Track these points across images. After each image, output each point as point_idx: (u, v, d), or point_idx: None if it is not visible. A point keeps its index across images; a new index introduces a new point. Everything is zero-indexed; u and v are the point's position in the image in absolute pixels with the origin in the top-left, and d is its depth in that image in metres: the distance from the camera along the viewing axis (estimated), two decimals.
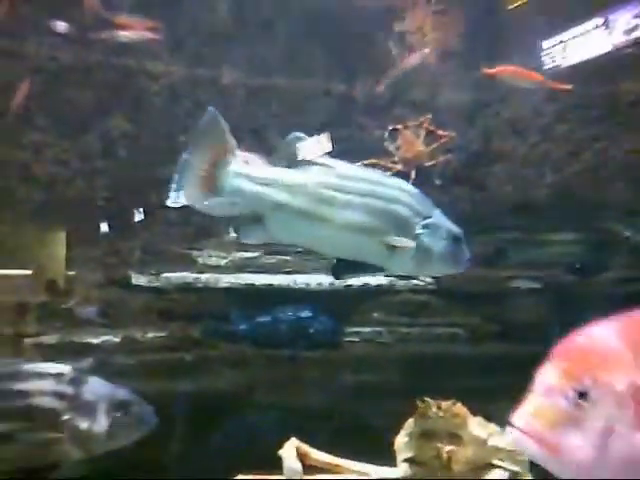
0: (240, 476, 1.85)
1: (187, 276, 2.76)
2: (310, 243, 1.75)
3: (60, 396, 1.68)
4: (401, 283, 2.68)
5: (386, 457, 1.88)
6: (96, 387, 1.74)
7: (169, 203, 1.64)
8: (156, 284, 2.74)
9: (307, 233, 1.67)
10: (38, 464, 1.65)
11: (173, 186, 1.65)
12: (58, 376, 1.71)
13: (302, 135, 1.71)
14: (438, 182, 2.77)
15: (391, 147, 2.86)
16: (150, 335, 2.67)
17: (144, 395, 2.59)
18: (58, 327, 2.62)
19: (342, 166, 1.75)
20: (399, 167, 2.83)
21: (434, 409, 1.69)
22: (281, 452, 1.84)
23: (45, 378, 1.71)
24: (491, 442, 1.68)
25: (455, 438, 1.70)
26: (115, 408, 1.72)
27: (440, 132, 2.74)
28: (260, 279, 2.73)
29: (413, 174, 2.81)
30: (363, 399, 2.56)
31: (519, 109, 2.85)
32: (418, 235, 1.64)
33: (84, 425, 1.67)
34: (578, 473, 0.99)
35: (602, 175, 2.72)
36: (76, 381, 1.72)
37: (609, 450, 0.97)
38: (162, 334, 2.67)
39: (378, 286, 2.70)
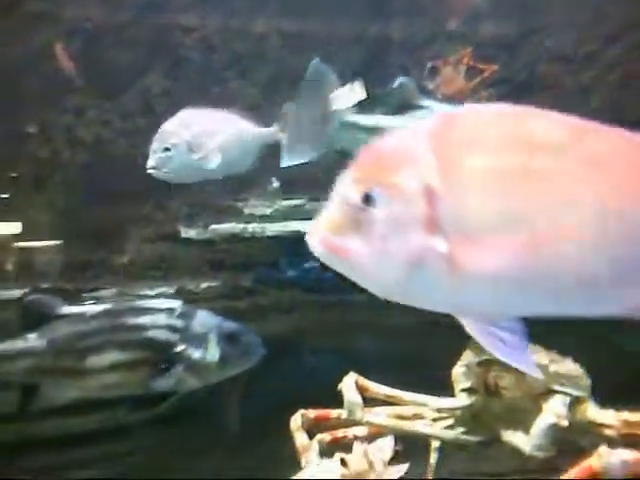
0: (302, 411, 1.91)
1: (234, 227, 2.80)
2: None
3: (172, 329, 1.77)
4: None
5: (444, 393, 1.92)
6: (205, 320, 1.82)
7: (284, 164, 1.69)
8: (205, 236, 2.79)
9: None
10: (157, 391, 1.74)
11: (285, 147, 1.69)
12: (169, 311, 1.79)
13: (408, 79, 1.72)
14: None
15: (431, 85, 2.81)
16: (203, 285, 2.74)
17: None
18: (114, 282, 2.71)
19: (448, 109, 1.78)
20: None
21: None
22: (340, 386, 1.89)
23: (157, 313, 1.79)
24: (552, 368, 1.69)
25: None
26: (224, 339, 1.79)
27: (481, 66, 2.68)
28: (306, 226, 2.74)
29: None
30: (414, 338, 2.59)
31: (563, 36, 2.76)
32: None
33: (196, 355, 1.75)
34: (363, 274, 0.95)
35: None
36: (186, 315, 1.80)
37: (395, 252, 0.92)
38: (214, 284, 2.74)
39: None
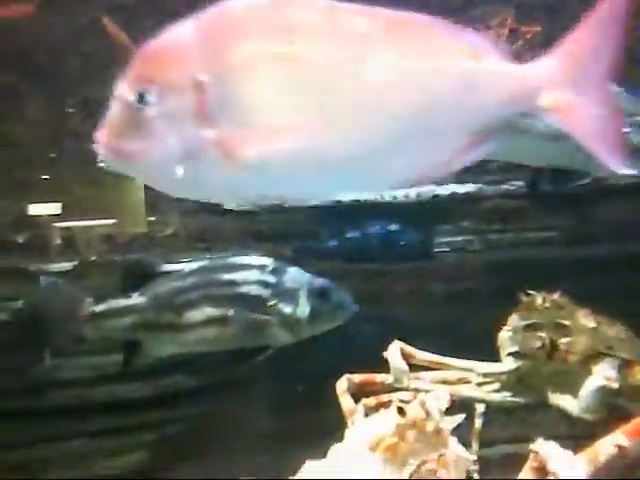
0: (347, 375, 1.93)
1: None
2: (512, 156, 1.86)
3: (264, 284, 1.83)
4: (491, 189, 2.63)
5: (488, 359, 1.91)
6: (296, 276, 1.89)
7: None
8: (246, 207, 2.82)
9: (514, 146, 1.78)
10: (251, 345, 1.81)
11: None
12: (261, 267, 1.86)
13: None
14: None
15: None
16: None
17: None
18: (159, 254, 2.76)
19: None
20: None
21: (539, 300, 1.69)
22: (386, 354, 1.91)
23: (250, 269, 1.86)
24: (601, 330, 1.67)
25: (562, 328, 1.70)
26: (315, 295, 1.84)
27: (524, 28, 2.61)
28: (347, 196, 2.75)
29: None
30: (459, 307, 2.58)
31: None
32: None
33: (288, 310, 1.81)
34: (146, 173, 0.98)
35: None
36: (277, 271, 1.86)
37: (170, 147, 0.94)
38: (258, 254, 2.76)
39: (466, 193, 2.67)
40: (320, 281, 1.91)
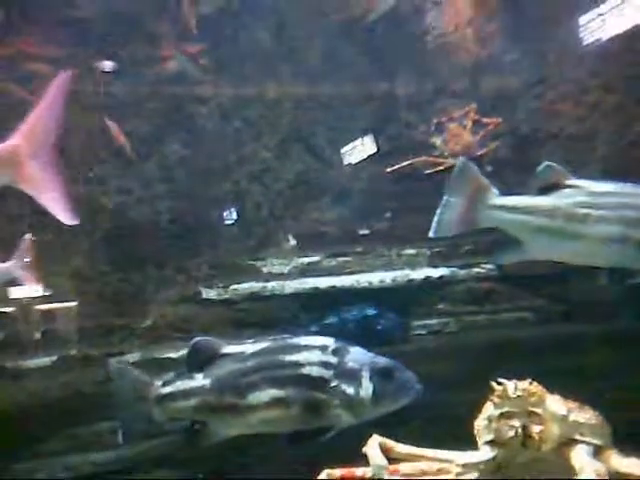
0: (327, 470, 1.92)
1: (254, 286, 2.86)
2: (567, 257, 1.97)
3: (326, 365, 1.80)
4: (463, 272, 2.71)
5: (467, 444, 1.92)
6: (358, 356, 1.84)
7: (432, 235, 1.95)
8: (225, 296, 2.86)
9: (565, 249, 1.88)
10: (313, 427, 1.77)
11: (435, 221, 1.98)
12: (323, 348, 1.82)
13: (553, 165, 1.95)
14: (489, 169, 2.79)
15: (438, 141, 2.91)
16: None
17: None
18: (139, 345, 2.77)
19: (591, 185, 1.95)
20: (450, 161, 2.86)
21: (511, 390, 1.72)
22: (365, 449, 1.90)
23: (312, 350, 1.84)
24: (572, 417, 1.69)
25: (534, 416, 1.72)
26: (378, 374, 1.80)
27: (486, 120, 2.76)
28: (323, 282, 2.81)
29: None
30: (437, 390, 2.59)
31: (563, 88, 2.85)
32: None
33: (350, 391, 1.77)
34: None
35: None
36: (339, 351, 1.83)
37: None
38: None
39: (441, 277, 2.74)
40: (383, 361, 1.86)
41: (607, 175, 2.79)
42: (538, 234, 1.92)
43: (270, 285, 2.86)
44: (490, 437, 1.82)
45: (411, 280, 2.71)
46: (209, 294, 2.88)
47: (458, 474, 1.85)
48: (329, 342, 1.87)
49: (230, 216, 3.07)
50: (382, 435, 1.88)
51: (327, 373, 1.80)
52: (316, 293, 2.79)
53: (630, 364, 2.25)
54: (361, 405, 1.80)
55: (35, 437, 2.52)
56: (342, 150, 3.11)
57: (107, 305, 2.95)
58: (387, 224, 2.93)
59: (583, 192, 1.93)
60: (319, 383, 1.80)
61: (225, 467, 2.58)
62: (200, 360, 1.93)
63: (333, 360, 1.82)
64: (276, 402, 1.83)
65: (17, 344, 2.76)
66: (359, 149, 3.08)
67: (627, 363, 2.29)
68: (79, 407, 2.59)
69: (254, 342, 1.93)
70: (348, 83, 3.17)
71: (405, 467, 1.90)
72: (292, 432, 1.83)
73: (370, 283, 2.73)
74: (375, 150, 3.05)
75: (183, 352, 2.74)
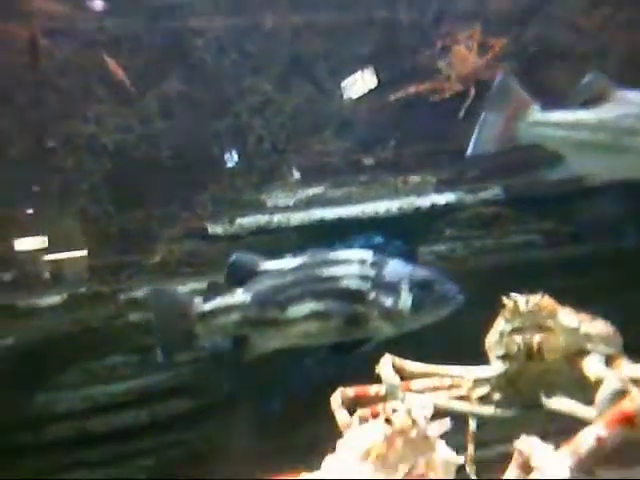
0: (341, 389, 1.95)
1: (259, 219, 2.85)
2: (612, 173, 1.93)
3: (364, 278, 1.82)
4: (469, 198, 2.69)
5: (479, 362, 1.94)
6: (397, 268, 1.85)
7: (469, 153, 1.93)
8: (231, 231, 2.85)
9: (610, 163, 1.85)
10: (353, 338, 1.81)
11: (473, 139, 1.95)
12: (361, 261, 1.84)
13: (598, 74, 1.88)
14: None
15: (444, 66, 2.84)
16: None
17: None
18: (149, 280, 2.78)
19: (638, 96, 1.90)
20: (456, 86, 2.80)
21: (522, 304, 1.73)
22: (378, 369, 1.93)
23: (350, 263, 1.85)
24: (583, 329, 1.71)
25: (546, 329, 1.73)
26: (417, 286, 1.81)
27: (492, 41, 2.69)
28: (329, 213, 2.80)
29: (472, 91, 2.78)
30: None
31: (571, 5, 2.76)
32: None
33: (389, 303, 1.79)
34: None
35: None
36: (378, 264, 1.84)
37: None
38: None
39: (447, 203, 2.72)
40: (423, 272, 1.88)
41: None
42: (581, 149, 1.88)
43: (275, 218, 2.85)
44: (501, 352, 1.85)
45: (417, 208, 2.69)
46: (215, 229, 2.87)
47: (470, 389, 1.89)
48: (367, 255, 1.87)
49: (232, 151, 3.03)
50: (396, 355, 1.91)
51: (365, 286, 1.82)
52: (322, 224, 2.78)
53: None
54: (400, 316, 1.81)
55: (50, 371, 2.56)
56: (342, 84, 3.04)
57: (114, 244, 2.95)
58: (392, 152, 2.89)
59: (630, 104, 1.87)
60: (357, 296, 1.82)
61: (238, 395, 2.63)
62: (239, 276, 1.96)
63: (371, 273, 1.83)
64: (315, 315, 1.84)
65: (27, 284, 2.78)
66: (359, 83, 3.01)
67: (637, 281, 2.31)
68: (91, 342, 2.63)
69: (292, 257, 1.95)
70: (348, 10, 3.07)
71: (417, 384, 1.93)
72: (333, 344, 1.82)
73: (376, 212, 2.71)
74: (376, 84, 2.98)
75: (191, 286, 2.78)
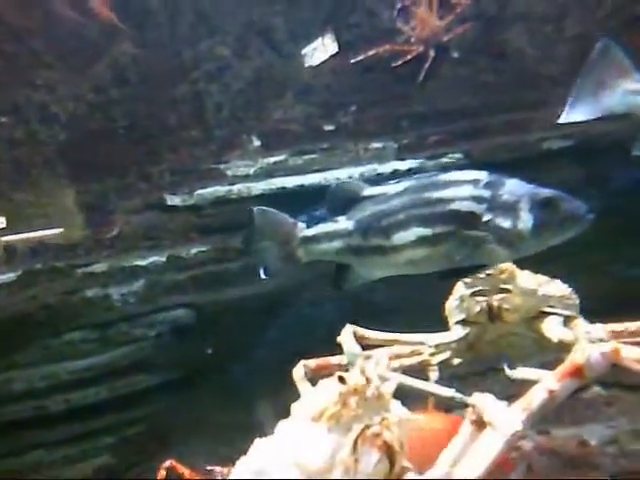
0: (303, 361, 1.94)
1: (219, 190, 2.79)
2: None
3: (478, 199, 1.69)
4: (431, 164, 2.66)
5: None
6: (515, 187, 1.70)
7: (563, 120, 1.82)
8: (190, 202, 2.78)
9: None
10: (467, 264, 1.67)
11: (568, 104, 1.85)
12: (475, 182, 1.71)
13: None
14: (456, 55, 2.70)
15: (404, 27, 2.78)
16: (194, 251, 2.74)
17: (197, 306, 2.72)
18: (106, 255, 2.71)
19: None
20: (417, 49, 2.75)
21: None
22: (339, 339, 1.92)
23: (462, 184, 1.73)
24: (541, 291, 1.72)
25: (505, 292, 1.74)
26: (538, 206, 1.66)
27: (454, 0, 2.64)
28: (291, 181, 2.75)
29: (432, 53, 2.74)
30: (403, 283, 2.61)
31: None
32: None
33: (506, 224, 1.65)
34: None
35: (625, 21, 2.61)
36: (493, 184, 1.70)
37: None
38: (205, 248, 2.74)
39: (409, 169, 2.69)
40: (546, 191, 1.70)
41: (574, 57, 2.73)
42: None
43: (236, 188, 2.79)
44: (462, 316, 1.85)
45: (379, 174, 2.66)
46: (173, 200, 2.80)
47: (431, 354, 1.89)
48: (482, 176, 1.72)
49: (190, 119, 2.94)
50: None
51: (479, 208, 1.68)
52: (284, 193, 2.73)
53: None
54: (519, 238, 1.66)
55: (7, 350, 2.49)
56: (303, 52, 2.96)
57: (69, 218, 2.86)
58: (353, 118, 2.83)
59: None
60: (469, 219, 1.69)
61: (203, 368, 2.61)
62: (341, 203, 1.87)
63: (486, 194, 1.69)
64: (423, 241, 1.72)
65: None
66: (320, 50, 2.94)
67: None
68: (48, 319, 2.56)
69: (398, 182, 1.85)
70: None
71: (379, 352, 1.93)
72: (446, 270, 1.72)
73: (338, 179, 2.67)
74: (336, 50, 2.91)
75: (151, 259, 2.72)
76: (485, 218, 1.65)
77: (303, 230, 1.87)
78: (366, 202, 1.83)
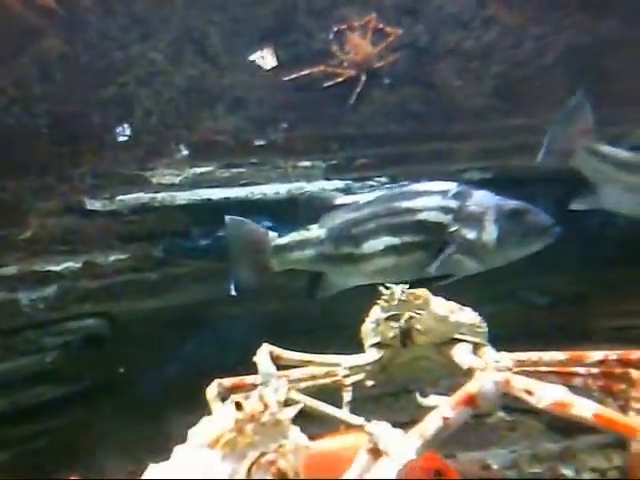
0: (217, 380, 1.91)
1: (142, 197, 2.73)
2: None
3: (445, 210, 1.70)
4: (357, 185, 2.70)
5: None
6: (483, 199, 1.73)
7: (539, 160, 1.85)
8: (111, 207, 2.71)
9: None
10: (432, 275, 1.69)
11: (543, 149, 1.87)
12: (443, 192, 1.73)
13: None
14: (387, 82, 2.77)
15: (338, 51, 2.83)
16: (112, 258, 2.66)
17: (111, 316, 2.64)
18: (18, 258, 2.59)
19: None
20: (349, 72, 2.81)
21: (398, 293, 1.76)
22: (255, 358, 1.91)
23: (430, 195, 1.74)
24: (452, 318, 1.77)
25: (418, 318, 1.78)
26: (504, 218, 1.68)
27: (388, 29, 2.71)
28: (216, 193, 2.72)
29: (363, 77, 2.79)
30: (328, 300, 2.63)
31: (462, 1, 2.84)
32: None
33: (472, 235, 1.67)
34: None
35: (545, 63, 2.76)
36: (461, 195, 1.72)
37: None
38: (123, 256, 2.67)
39: (335, 189, 2.72)
40: (512, 203, 1.74)
41: (499, 93, 2.87)
42: (632, 190, 1.93)
43: (160, 196, 2.73)
44: (376, 339, 1.88)
45: (305, 192, 2.68)
46: (94, 205, 2.71)
47: (345, 376, 1.91)
48: (450, 186, 1.77)
49: (117, 123, 2.86)
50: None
51: (446, 218, 1.71)
52: (209, 204, 2.70)
53: None
54: (484, 250, 1.70)
55: None
56: (240, 62, 2.95)
57: None
58: (283, 135, 2.84)
59: None
60: (437, 229, 1.71)
61: (110, 381, 2.52)
62: (313, 212, 1.86)
63: (453, 204, 1.73)
64: (392, 250, 1.74)
65: None
66: (259, 61, 2.94)
67: None
68: None
69: (369, 191, 1.85)
70: None
71: (294, 373, 1.93)
72: (414, 280, 1.71)
73: (264, 195, 2.67)
74: (275, 64, 2.92)
75: (66, 265, 2.62)
76: (451, 229, 1.72)
77: (275, 239, 1.89)
78: (338, 210, 1.86)
